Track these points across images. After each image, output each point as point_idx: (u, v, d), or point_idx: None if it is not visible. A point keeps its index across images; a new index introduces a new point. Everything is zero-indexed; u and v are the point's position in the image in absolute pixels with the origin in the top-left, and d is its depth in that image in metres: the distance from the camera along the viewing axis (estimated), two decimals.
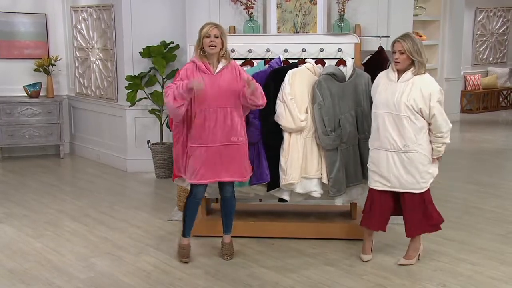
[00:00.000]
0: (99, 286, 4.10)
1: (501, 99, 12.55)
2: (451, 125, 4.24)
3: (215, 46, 4.23)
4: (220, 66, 4.30)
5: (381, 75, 4.33)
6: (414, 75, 4.13)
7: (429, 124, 4.16)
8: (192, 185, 4.41)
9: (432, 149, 4.22)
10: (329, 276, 4.23)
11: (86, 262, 4.51)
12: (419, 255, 4.46)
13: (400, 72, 4.18)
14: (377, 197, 4.34)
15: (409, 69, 4.14)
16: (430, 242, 4.85)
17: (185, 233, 4.54)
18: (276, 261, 4.51)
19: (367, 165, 4.41)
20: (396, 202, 4.35)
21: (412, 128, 4.12)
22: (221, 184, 4.47)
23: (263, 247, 4.78)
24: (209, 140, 4.27)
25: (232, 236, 4.69)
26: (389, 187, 4.26)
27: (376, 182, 4.31)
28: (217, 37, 4.23)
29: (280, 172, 4.66)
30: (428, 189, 4.30)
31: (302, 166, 4.67)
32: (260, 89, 4.31)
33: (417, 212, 4.28)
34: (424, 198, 4.27)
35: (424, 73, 4.16)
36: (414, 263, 4.41)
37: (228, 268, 4.37)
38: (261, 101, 4.33)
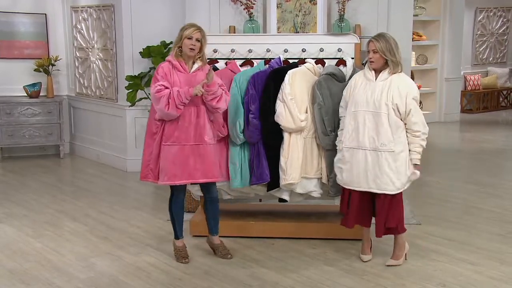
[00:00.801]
0: (99, 286, 4.10)
1: (501, 99, 12.54)
2: (428, 128, 4.23)
3: (194, 50, 4.25)
4: (196, 66, 4.31)
5: (358, 75, 4.36)
6: (391, 74, 4.18)
7: (405, 124, 4.17)
8: (172, 186, 4.39)
9: (410, 153, 4.20)
10: (329, 276, 4.23)
11: (86, 262, 4.51)
12: (405, 254, 4.45)
13: (377, 72, 4.23)
14: (354, 196, 4.33)
15: (385, 68, 4.19)
16: (430, 242, 4.86)
17: (178, 235, 4.53)
18: (276, 261, 4.51)
19: (338, 165, 4.37)
20: (372, 201, 4.34)
21: (391, 127, 4.14)
22: (205, 186, 4.47)
23: (263, 247, 4.77)
24: (182, 138, 4.26)
25: (232, 237, 4.69)
26: (364, 187, 4.24)
27: (352, 182, 4.29)
28: (198, 41, 4.24)
29: (280, 172, 4.66)
30: (401, 193, 4.27)
31: (302, 166, 4.67)
32: (219, 91, 4.25)
33: (385, 212, 4.26)
34: (396, 199, 4.24)
35: (400, 71, 4.21)
36: (402, 263, 4.40)
37: (228, 268, 4.37)
38: (218, 104, 4.25)
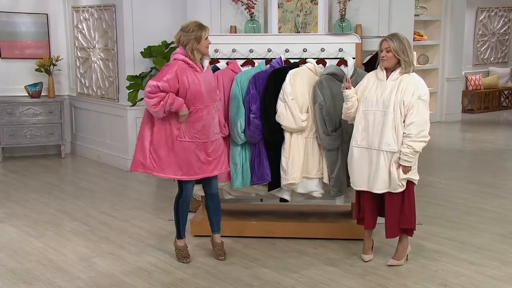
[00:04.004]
0: (100, 286, 4.10)
1: (502, 99, 12.51)
2: (428, 136, 4.15)
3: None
4: (206, 63, 4.36)
5: (370, 75, 4.35)
6: (402, 74, 4.17)
7: (405, 121, 4.12)
8: (182, 185, 4.38)
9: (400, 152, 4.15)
10: (330, 276, 4.22)
11: (87, 262, 4.51)
12: (407, 255, 4.45)
13: (389, 71, 4.22)
14: (365, 197, 4.33)
15: (397, 68, 4.19)
16: (431, 242, 4.86)
17: (181, 234, 4.52)
18: (277, 261, 4.51)
19: (348, 166, 4.37)
20: (382, 201, 4.34)
21: (396, 127, 4.12)
22: (208, 180, 4.46)
23: (264, 247, 4.77)
24: (203, 136, 4.28)
25: (233, 236, 4.68)
26: (371, 188, 4.24)
27: (362, 184, 4.29)
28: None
29: (281, 172, 4.66)
30: (412, 192, 4.26)
31: (303, 166, 4.67)
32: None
33: (396, 212, 4.26)
34: (404, 199, 4.24)
35: (412, 71, 4.20)
36: (403, 263, 4.40)
37: (229, 268, 4.37)
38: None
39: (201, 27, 4.25)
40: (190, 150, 4.26)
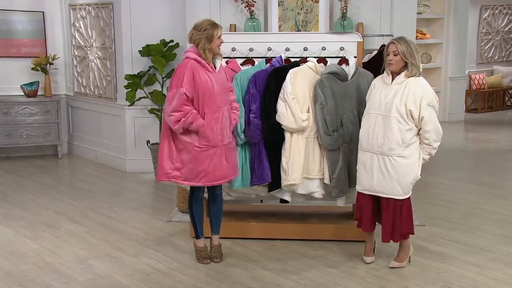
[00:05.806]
0: None
1: (506, 98, 12.45)
2: (441, 132, 4.18)
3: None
4: (218, 64, 4.31)
5: (377, 79, 4.33)
6: (408, 77, 4.13)
7: (419, 128, 4.13)
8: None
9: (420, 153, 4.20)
10: (331, 278, 4.19)
11: (84, 264, 4.47)
12: (409, 257, 4.41)
13: (394, 75, 4.18)
14: (365, 200, 4.31)
15: (402, 71, 4.14)
16: (433, 243, 4.82)
17: (198, 234, 4.50)
18: (278, 263, 4.47)
19: (357, 167, 4.37)
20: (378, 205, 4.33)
21: (400, 131, 4.09)
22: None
23: (264, 249, 4.73)
24: (218, 140, 4.24)
25: (233, 238, 4.65)
26: (372, 191, 4.22)
27: (363, 186, 4.28)
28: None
29: (282, 173, 4.62)
30: (409, 197, 4.24)
31: (304, 166, 4.63)
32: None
33: (394, 217, 4.22)
34: (403, 205, 4.21)
35: (418, 76, 4.16)
36: (405, 265, 4.36)
37: (228, 270, 4.33)
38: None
39: (214, 25, 4.21)
40: (209, 155, 4.22)
